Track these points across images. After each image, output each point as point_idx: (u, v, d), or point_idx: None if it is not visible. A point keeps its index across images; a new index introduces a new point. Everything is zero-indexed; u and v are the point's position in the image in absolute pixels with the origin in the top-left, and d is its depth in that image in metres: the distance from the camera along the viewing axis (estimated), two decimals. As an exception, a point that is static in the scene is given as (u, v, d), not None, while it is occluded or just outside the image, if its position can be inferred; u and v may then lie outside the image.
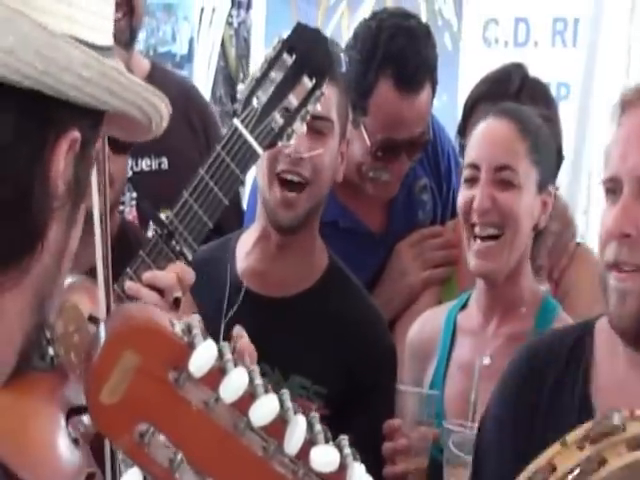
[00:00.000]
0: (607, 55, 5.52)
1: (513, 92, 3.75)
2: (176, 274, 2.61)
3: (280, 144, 2.83)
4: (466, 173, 3.25)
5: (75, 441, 2.19)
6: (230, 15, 6.83)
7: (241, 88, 2.88)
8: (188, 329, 1.15)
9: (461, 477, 2.94)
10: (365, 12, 6.06)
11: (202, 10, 6.63)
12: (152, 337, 1.14)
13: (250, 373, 1.14)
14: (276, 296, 3.26)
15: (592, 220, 5.36)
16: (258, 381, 1.14)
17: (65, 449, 2.17)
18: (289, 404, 1.15)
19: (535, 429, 2.60)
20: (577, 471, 1.97)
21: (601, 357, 2.59)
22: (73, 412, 2.18)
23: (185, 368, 1.12)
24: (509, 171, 3.19)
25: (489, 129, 3.27)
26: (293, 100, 2.70)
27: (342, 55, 3.50)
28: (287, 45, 2.70)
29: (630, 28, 5.77)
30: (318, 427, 1.17)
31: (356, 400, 3.26)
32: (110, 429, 1.14)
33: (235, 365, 1.13)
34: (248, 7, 6.94)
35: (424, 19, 5.48)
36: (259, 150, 2.68)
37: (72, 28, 1.33)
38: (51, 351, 2.31)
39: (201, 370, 1.11)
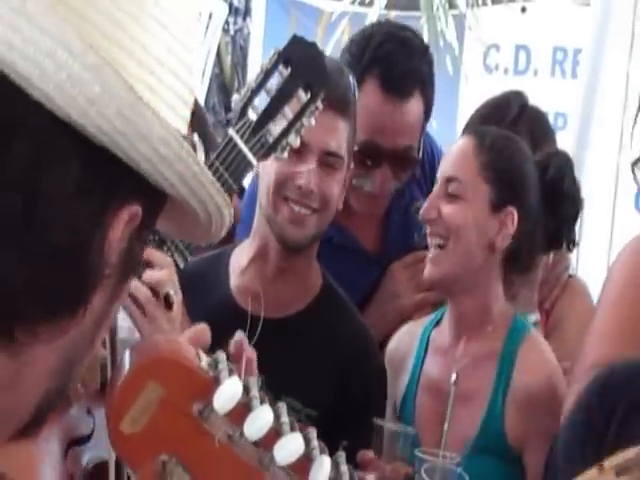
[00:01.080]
0: (606, 87, 5.52)
1: (511, 119, 3.67)
2: (168, 270, 2.53)
3: (274, 156, 2.76)
4: None
5: (71, 476, 2.14)
6: (227, 22, 6.80)
7: (236, 98, 2.75)
8: (215, 363, 1.14)
9: None
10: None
11: (199, 15, 6.37)
12: (177, 369, 1.13)
13: (276, 410, 1.13)
14: (270, 317, 3.08)
15: (583, 253, 5.34)
16: (284, 419, 1.13)
17: None
18: (316, 443, 1.14)
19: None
20: None
21: None
22: (73, 443, 2.12)
23: (210, 402, 1.11)
24: (456, 183, 3.13)
25: (453, 146, 3.28)
26: (288, 112, 2.65)
27: (354, 83, 3.31)
28: (283, 57, 2.63)
29: (629, 62, 5.78)
30: (344, 467, 1.16)
31: (346, 418, 3.13)
32: (130, 458, 1.14)
33: (261, 402, 1.12)
34: (245, 15, 6.89)
35: (426, 40, 5.33)
36: (253, 161, 2.63)
37: (156, 102, 1.30)
38: None
39: (225, 407, 1.10)
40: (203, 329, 2.25)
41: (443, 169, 3.25)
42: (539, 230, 3.26)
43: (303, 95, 2.66)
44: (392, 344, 3.42)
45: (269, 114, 2.66)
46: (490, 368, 3.13)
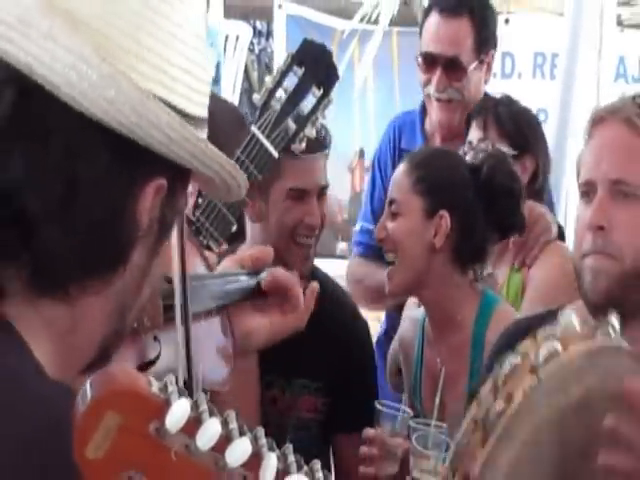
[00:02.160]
0: (580, 86, 5.62)
1: (493, 107, 3.83)
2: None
3: (293, 147, 2.82)
4: None
5: None
6: (252, 43, 6.76)
7: (256, 97, 2.83)
8: (165, 387, 1.13)
9: (424, 467, 2.97)
10: (372, 47, 6.34)
11: (227, 38, 6.56)
12: (131, 398, 1.11)
13: (225, 418, 1.13)
14: None
15: (568, 235, 5.42)
16: (232, 425, 1.13)
17: None
18: (263, 441, 1.14)
19: None
20: (545, 353, 1.98)
21: None
22: (144, 365, 2.12)
23: (163, 422, 1.10)
24: (395, 204, 3.27)
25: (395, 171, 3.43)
26: (304, 107, 2.71)
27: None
28: (297, 58, 2.70)
29: (598, 63, 6.05)
30: (291, 457, 1.16)
31: (350, 383, 3.32)
32: (96, 479, 1.13)
33: (210, 415, 1.12)
34: (268, 36, 6.88)
35: None
36: (275, 153, 2.69)
37: (168, 95, 1.42)
38: None
39: (177, 425, 1.10)
40: (269, 250, 2.40)
41: (388, 194, 3.38)
42: (480, 223, 3.30)
43: (317, 91, 2.70)
44: (401, 332, 3.57)
45: (287, 110, 2.69)
46: (465, 352, 3.21)
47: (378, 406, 3.08)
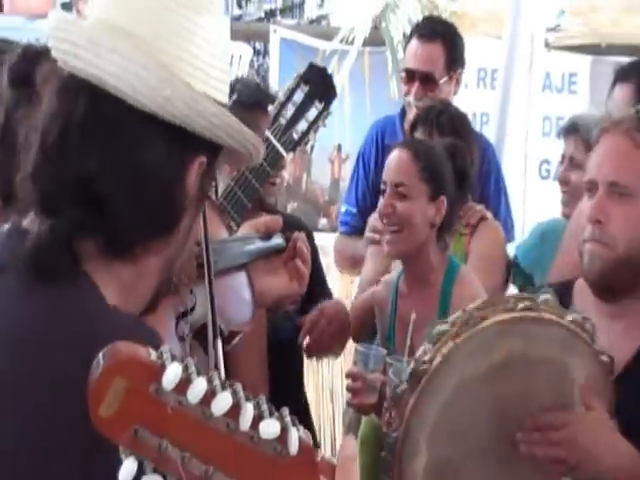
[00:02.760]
0: (515, 95, 6.00)
1: (435, 117, 3.93)
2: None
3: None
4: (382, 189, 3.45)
5: (181, 338, 2.16)
6: (252, 60, 6.95)
7: (270, 108, 2.92)
8: (161, 354, 1.14)
9: None
10: (348, 63, 6.63)
11: (232, 57, 6.58)
12: (134, 365, 1.12)
13: (210, 378, 1.14)
14: None
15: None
16: (216, 382, 1.14)
17: (175, 344, 2.11)
18: (241, 394, 1.15)
19: None
20: (465, 322, 2.15)
21: (578, 306, 2.56)
22: (180, 316, 2.16)
23: (161, 382, 1.11)
24: (403, 187, 3.36)
25: (392, 157, 3.47)
26: (309, 117, 2.75)
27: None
28: (304, 78, 2.75)
29: (529, 76, 6.39)
30: (264, 406, 1.16)
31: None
32: (109, 434, 1.13)
33: (197, 375, 1.13)
34: (265, 54, 7.06)
35: (389, 68, 6.25)
36: (284, 153, 2.75)
37: (207, 89, 1.51)
38: None
39: (171, 385, 1.11)
40: (278, 219, 2.37)
41: (391, 176, 3.42)
42: (456, 204, 3.49)
43: (319, 105, 2.75)
44: (376, 290, 3.65)
45: (295, 119, 2.74)
46: (434, 304, 3.33)
47: (359, 347, 3.24)
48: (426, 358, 2.14)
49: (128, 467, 1.11)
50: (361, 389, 3.10)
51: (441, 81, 4.51)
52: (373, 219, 3.87)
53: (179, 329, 2.15)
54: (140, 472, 1.11)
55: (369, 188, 4.50)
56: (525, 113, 6.37)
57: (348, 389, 3.15)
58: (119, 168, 1.45)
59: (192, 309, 2.13)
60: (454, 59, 4.57)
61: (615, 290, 2.47)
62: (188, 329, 2.15)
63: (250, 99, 3.50)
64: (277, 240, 2.34)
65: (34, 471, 1.34)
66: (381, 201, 3.43)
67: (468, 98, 5.86)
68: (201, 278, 2.06)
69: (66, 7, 7.39)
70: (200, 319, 2.11)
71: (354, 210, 4.48)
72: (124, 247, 1.49)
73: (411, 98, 4.48)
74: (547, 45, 6.96)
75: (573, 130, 3.96)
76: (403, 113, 4.65)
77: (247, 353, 2.98)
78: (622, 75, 3.27)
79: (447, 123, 3.92)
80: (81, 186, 1.45)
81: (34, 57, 2.32)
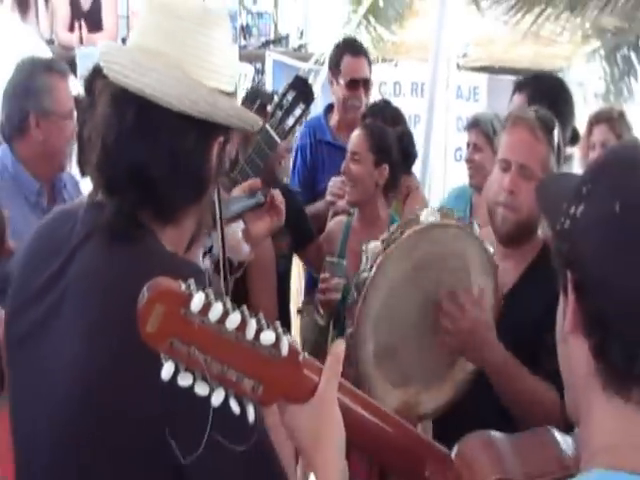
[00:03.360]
0: (438, 102, 5.87)
1: (386, 115, 3.79)
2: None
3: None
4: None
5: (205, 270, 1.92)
6: (254, 77, 6.71)
7: (269, 108, 2.76)
8: (188, 285, 1.10)
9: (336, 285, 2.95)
10: (321, 78, 6.10)
11: (240, 75, 5.38)
12: (170, 295, 1.08)
13: (225, 302, 1.10)
14: None
15: (431, 182, 5.72)
16: (228, 305, 1.10)
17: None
18: (246, 313, 1.11)
19: None
20: (391, 237, 2.08)
21: None
22: (206, 252, 2.10)
23: (189, 307, 1.08)
24: (357, 155, 3.30)
25: (354, 134, 3.37)
26: (295, 114, 2.64)
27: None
28: (291, 86, 2.64)
29: (447, 89, 6.32)
30: (263, 321, 1.12)
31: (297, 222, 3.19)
32: (153, 345, 1.10)
33: (215, 300, 1.09)
34: (262, 72, 6.84)
35: None
36: (278, 140, 2.63)
37: (220, 85, 1.45)
38: None
39: (197, 308, 1.08)
40: (257, 181, 2.34)
41: (351, 148, 3.33)
42: (398, 173, 3.40)
43: (302, 105, 2.62)
44: (331, 225, 3.53)
45: (285, 116, 2.62)
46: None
47: (327, 259, 3.09)
48: (366, 270, 2.07)
49: (167, 368, 1.10)
50: (329, 289, 3.00)
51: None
52: (332, 185, 3.71)
53: (204, 263, 2.09)
54: (176, 371, 1.11)
55: (307, 171, 4.28)
56: (444, 115, 6.33)
57: (319, 290, 3.05)
58: (162, 156, 1.39)
59: (211, 248, 2.09)
60: (371, 70, 4.29)
61: (515, 240, 2.39)
62: (209, 263, 2.12)
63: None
64: (259, 197, 2.32)
65: (128, 379, 1.32)
66: (345, 165, 3.35)
67: (404, 104, 5.43)
68: (215, 227, 2.02)
69: (125, 41, 7.19)
70: (216, 255, 2.08)
71: (298, 188, 4.18)
72: (170, 214, 1.44)
73: (356, 101, 4.18)
74: (458, 66, 6.94)
75: (475, 124, 3.90)
76: (326, 113, 4.38)
77: (261, 279, 2.92)
78: (518, 87, 3.13)
79: (390, 115, 3.84)
80: (135, 172, 1.39)
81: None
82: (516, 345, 2.17)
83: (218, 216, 1.96)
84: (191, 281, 1.10)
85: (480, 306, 2.14)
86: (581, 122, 6.76)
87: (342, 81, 4.15)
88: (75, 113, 2.67)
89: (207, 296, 1.09)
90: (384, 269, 2.05)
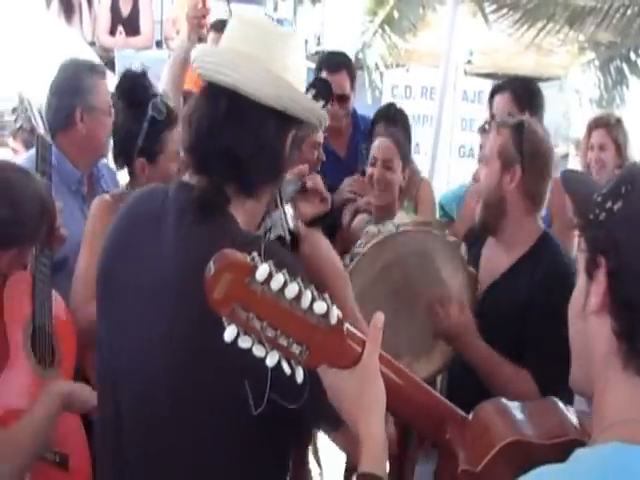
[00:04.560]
0: (447, 103, 5.84)
1: (392, 115, 3.74)
2: None
3: None
4: (370, 162, 3.20)
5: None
6: None
7: None
8: (253, 258, 1.10)
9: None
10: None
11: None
12: (236, 265, 1.09)
13: (284, 273, 1.10)
14: None
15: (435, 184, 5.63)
16: (287, 277, 1.10)
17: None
18: (302, 284, 1.11)
19: None
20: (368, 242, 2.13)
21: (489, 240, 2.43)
22: (266, 232, 1.95)
23: (254, 277, 1.08)
24: (389, 163, 3.17)
25: (379, 142, 3.23)
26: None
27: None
28: (312, 85, 2.36)
29: (454, 92, 6.17)
30: (316, 292, 1.13)
31: None
32: (218, 310, 1.10)
33: (276, 271, 1.09)
34: None
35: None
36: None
37: (294, 82, 1.50)
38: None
39: (261, 278, 1.09)
40: (305, 167, 2.13)
41: (384, 157, 3.15)
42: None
43: (321, 102, 2.55)
44: (354, 224, 3.31)
45: None
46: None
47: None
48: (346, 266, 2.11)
49: (230, 331, 1.11)
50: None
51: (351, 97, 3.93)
52: (351, 184, 3.47)
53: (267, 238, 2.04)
54: (237, 334, 1.12)
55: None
56: (451, 116, 6.35)
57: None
58: (249, 140, 1.44)
59: (269, 230, 2.01)
60: (353, 79, 3.92)
61: (491, 226, 2.33)
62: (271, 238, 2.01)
63: None
64: (301, 182, 2.23)
65: (207, 341, 1.32)
66: (370, 170, 3.21)
67: (414, 106, 5.88)
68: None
69: (159, 45, 7.28)
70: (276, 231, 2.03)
71: None
72: (252, 189, 1.49)
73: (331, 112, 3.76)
74: (465, 73, 7.00)
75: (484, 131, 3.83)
76: None
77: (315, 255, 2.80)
78: (498, 88, 3.16)
79: (399, 117, 3.78)
80: (225, 153, 1.45)
81: (133, 77, 2.37)
82: (498, 331, 2.16)
83: (279, 197, 1.93)
84: (255, 254, 1.11)
85: (465, 312, 2.15)
86: (576, 124, 6.80)
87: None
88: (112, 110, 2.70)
89: (270, 267, 1.10)
90: (358, 270, 2.10)
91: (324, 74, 3.85)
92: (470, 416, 1.38)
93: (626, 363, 0.98)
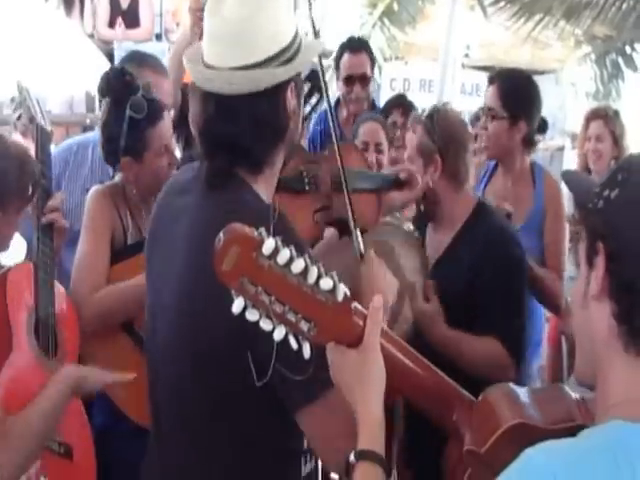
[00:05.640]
0: (445, 95, 5.89)
1: (408, 104, 3.80)
2: None
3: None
4: (362, 148, 3.12)
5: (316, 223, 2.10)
6: None
7: None
8: (260, 232, 1.11)
9: None
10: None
11: None
12: (244, 238, 1.09)
13: (290, 249, 1.10)
14: None
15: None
16: (294, 252, 1.10)
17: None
18: (309, 260, 1.11)
19: None
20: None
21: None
22: (318, 209, 2.11)
23: (261, 250, 1.08)
24: (381, 146, 3.22)
25: (368, 125, 3.25)
26: (311, 103, 2.32)
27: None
28: (307, 78, 2.31)
29: (453, 84, 6.32)
30: (322, 269, 1.13)
31: None
32: (226, 282, 1.10)
33: (283, 246, 1.10)
34: None
35: None
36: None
37: (273, 53, 1.49)
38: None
39: (267, 251, 1.08)
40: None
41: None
42: None
43: (317, 95, 2.34)
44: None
45: (303, 104, 2.34)
46: None
47: None
48: None
49: (237, 303, 1.11)
50: None
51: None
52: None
53: (315, 217, 2.11)
54: (245, 307, 1.11)
55: None
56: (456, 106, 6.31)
57: None
58: (245, 126, 1.47)
59: (329, 207, 2.09)
60: (373, 62, 4.07)
61: (428, 217, 2.43)
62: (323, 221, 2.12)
63: None
64: (391, 176, 2.30)
65: (212, 302, 1.35)
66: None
67: (412, 99, 5.32)
68: (340, 191, 2.00)
69: (159, 37, 7.27)
70: (339, 216, 2.06)
71: None
72: (259, 166, 1.53)
73: (353, 95, 3.98)
74: (463, 66, 7.01)
75: (477, 119, 3.76)
76: (335, 107, 4.11)
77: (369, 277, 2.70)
78: (489, 80, 3.15)
79: (409, 107, 3.77)
80: (225, 142, 1.49)
81: (112, 75, 2.35)
82: (448, 305, 2.21)
83: (345, 184, 1.95)
84: (262, 229, 1.11)
85: (428, 300, 2.21)
86: (572, 118, 6.81)
87: (340, 78, 4.02)
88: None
89: (277, 242, 1.09)
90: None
91: (346, 57, 3.89)
92: (478, 400, 1.38)
93: (626, 345, 0.99)
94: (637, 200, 1.01)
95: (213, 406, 1.48)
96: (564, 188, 2.76)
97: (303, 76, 2.28)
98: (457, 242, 2.37)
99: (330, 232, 2.13)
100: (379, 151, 3.24)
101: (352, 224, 1.94)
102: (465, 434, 1.31)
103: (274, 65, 1.47)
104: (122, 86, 2.28)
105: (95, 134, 2.75)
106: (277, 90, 1.49)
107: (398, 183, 2.26)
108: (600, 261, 1.01)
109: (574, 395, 1.33)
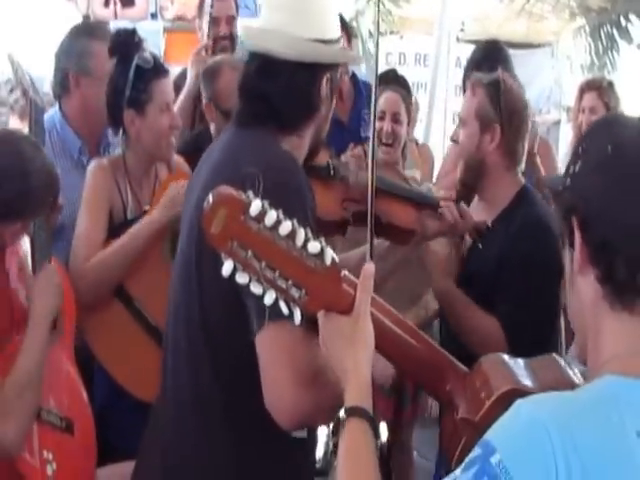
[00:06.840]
0: (440, 69, 5.87)
1: (393, 79, 3.51)
2: None
3: None
4: (379, 116, 3.06)
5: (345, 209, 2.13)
6: None
7: None
8: (248, 195, 1.10)
9: None
10: None
11: None
12: (232, 200, 1.08)
13: (277, 211, 1.10)
14: None
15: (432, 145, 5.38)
16: (281, 215, 1.10)
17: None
18: (296, 224, 1.12)
19: None
20: None
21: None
22: (346, 200, 2.13)
23: (248, 212, 1.08)
24: (398, 115, 3.14)
25: (387, 95, 3.16)
26: None
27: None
28: None
29: (448, 58, 6.34)
30: (310, 233, 1.13)
31: None
32: (215, 245, 1.10)
33: (270, 209, 1.10)
34: None
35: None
36: None
37: (324, 37, 1.63)
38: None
39: (254, 213, 1.08)
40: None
41: (390, 108, 3.11)
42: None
43: None
44: None
45: None
46: None
47: None
48: None
49: (227, 266, 1.11)
50: None
51: None
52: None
53: (344, 204, 2.14)
54: (234, 270, 1.11)
55: None
56: (445, 82, 6.33)
57: None
58: (281, 90, 1.58)
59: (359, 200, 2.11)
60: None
61: (471, 184, 2.35)
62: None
63: None
64: (435, 199, 2.24)
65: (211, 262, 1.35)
66: (379, 124, 3.12)
67: (408, 73, 5.26)
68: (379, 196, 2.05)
69: (154, 16, 7.19)
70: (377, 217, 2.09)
71: None
72: (289, 127, 1.61)
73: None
74: (458, 39, 6.92)
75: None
76: None
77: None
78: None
79: (402, 82, 3.57)
80: (261, 102, 1.58)
81: (122, 35, 2.40)
82: (476, 287, 2.19)
83: (369, 181, 2.01)
84: (250, 192, 1.11)
85: (438, 248, 2.23)
86: (567, 91, 6.76)
87: None
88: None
89: (264, 204, 1.10)
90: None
91: None
92: (471, 369, 1.39)
93: (612, 302, 1.01)
94: (597, 164, 1.02)
95: (219, 367, 1.52)
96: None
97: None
98: (494, 227, 2.28)
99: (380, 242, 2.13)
100: (396, 120, 3.15)
101: (370, 222, 2.00)
102: (459, 404, 1.32)
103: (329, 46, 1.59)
104: (131, 43, 2.32)
105: (52, 115, 2.73)
106: (318, 71, 1.60)
107: (435, 207, 2.18)
108: (577, 235, 1.03)
109: (569, 366, 1.33)
